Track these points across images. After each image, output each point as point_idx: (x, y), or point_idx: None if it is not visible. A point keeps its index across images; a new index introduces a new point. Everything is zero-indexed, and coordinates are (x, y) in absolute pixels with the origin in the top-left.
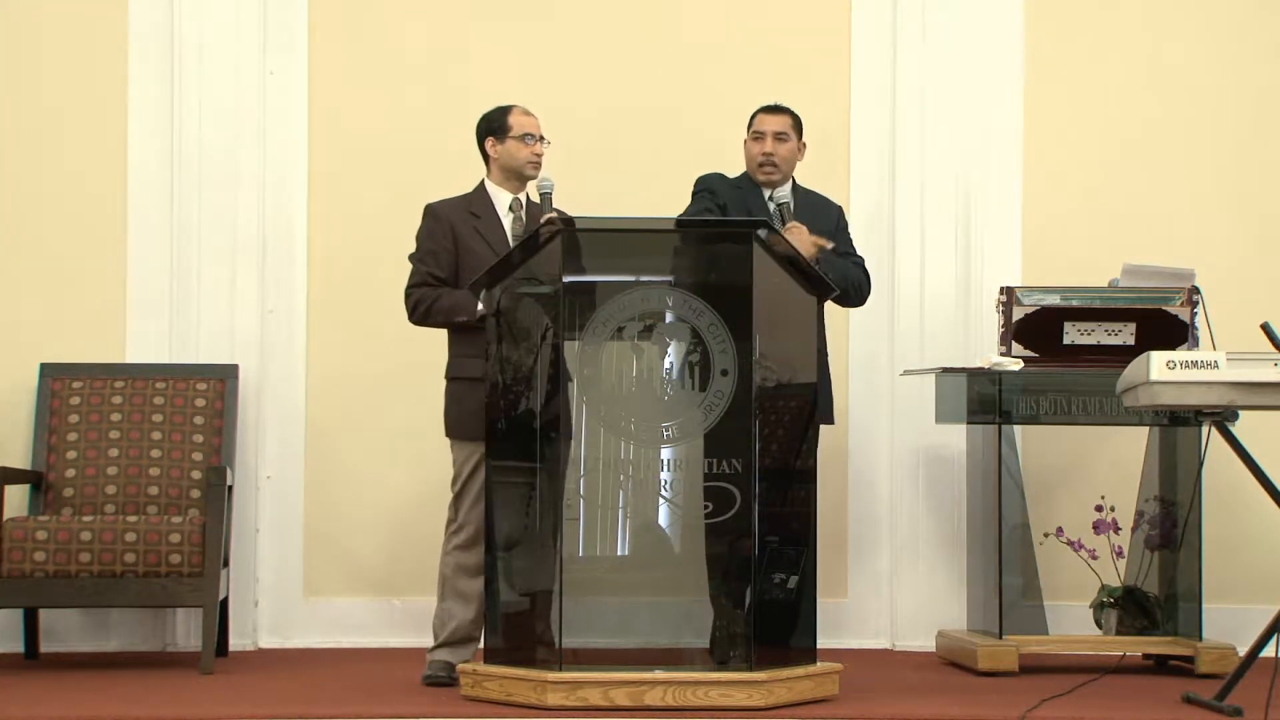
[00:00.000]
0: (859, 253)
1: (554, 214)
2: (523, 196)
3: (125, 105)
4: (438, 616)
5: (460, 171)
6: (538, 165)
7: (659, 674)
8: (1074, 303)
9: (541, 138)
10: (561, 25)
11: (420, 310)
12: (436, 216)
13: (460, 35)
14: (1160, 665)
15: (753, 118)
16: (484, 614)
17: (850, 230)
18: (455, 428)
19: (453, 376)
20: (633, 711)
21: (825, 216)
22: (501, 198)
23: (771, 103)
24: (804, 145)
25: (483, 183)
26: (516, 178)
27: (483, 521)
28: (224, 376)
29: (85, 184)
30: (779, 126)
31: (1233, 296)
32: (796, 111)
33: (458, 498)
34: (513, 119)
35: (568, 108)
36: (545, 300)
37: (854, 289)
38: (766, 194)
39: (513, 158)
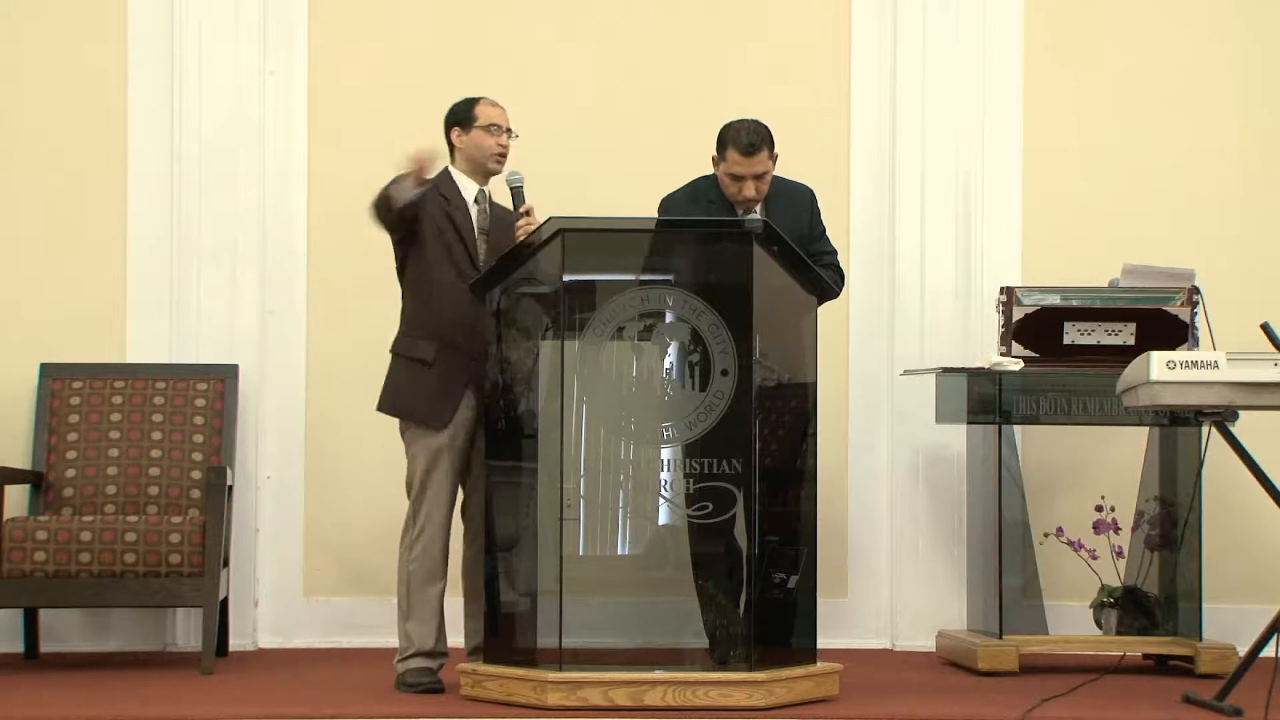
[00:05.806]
0: (832, 242)
1: (528, 208)
2: (487, 189)
3: (125, 105)
4: (400, 634)
5: None
6: (502, 158)
7: (659, 674)
8: (1074, 303)
9: (509, 130)
10: (561, 23)
11: (378, 198)
12: None
13: (460, 35)
14: (1160, 665)
15: (724, 150)
16: (464, 618)
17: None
18: (390, 404)
19: (398, 353)
20: (633, 711)
21: (799, 207)
22: (468, 186)
23: (745, 140)
24: (776, 154)
25: (447, 169)
26: (481, 170)
27: (435, 522)
28: (224, 376)
29: (85, 184)
30: (759, 169)
31: (1233, 296)
32: (765, 124)
33: (416, 497)
34: (479, 109)
35: (567, 106)
36: (545, 300)
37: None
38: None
39: (478, 148)
